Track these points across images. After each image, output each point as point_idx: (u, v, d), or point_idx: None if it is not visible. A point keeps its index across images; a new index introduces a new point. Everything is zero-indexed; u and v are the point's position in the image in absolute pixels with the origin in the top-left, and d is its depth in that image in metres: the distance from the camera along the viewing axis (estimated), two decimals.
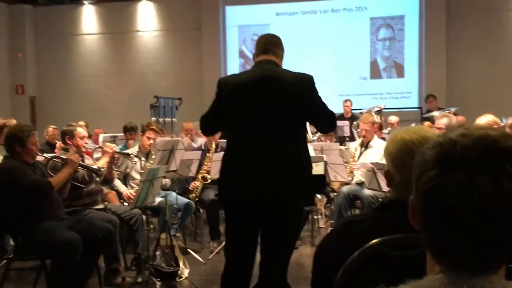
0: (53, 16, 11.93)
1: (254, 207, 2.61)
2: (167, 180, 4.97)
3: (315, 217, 5.78)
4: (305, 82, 2.66)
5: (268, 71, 2.67)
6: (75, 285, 3.51)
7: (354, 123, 7.46)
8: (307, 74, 2.69)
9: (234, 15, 11.25)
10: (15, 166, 3.49)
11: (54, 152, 4.89)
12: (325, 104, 2.74)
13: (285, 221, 2.64)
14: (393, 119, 7.65)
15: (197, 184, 5.26)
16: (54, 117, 10.73)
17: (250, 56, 11.28)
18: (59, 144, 5.48)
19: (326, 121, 2.83)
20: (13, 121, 5.50)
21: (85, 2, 11.82)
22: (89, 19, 11.98)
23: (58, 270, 3.34)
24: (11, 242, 3.97)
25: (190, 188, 5.34)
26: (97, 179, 4.23)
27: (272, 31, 10.70)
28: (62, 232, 3.36)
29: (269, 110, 2.62)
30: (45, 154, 3.96)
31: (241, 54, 11.26)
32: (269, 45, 2.76)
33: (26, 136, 3.56)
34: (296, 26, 10.71)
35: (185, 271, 4.21)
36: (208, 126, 2.93)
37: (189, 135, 7.13)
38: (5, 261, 3.96)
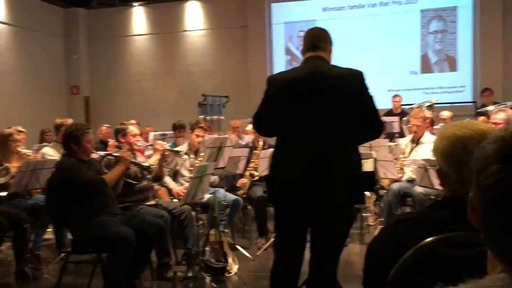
0: (105, 18, 12.35)
1: (303, 204, 2.60)
2: (216, 177, 5.04)
3: (364, 214, 5.69)
4: (355, 78, 2.62)
5: (317, 67, 2.66)
6: (129, 277, 3.63)
7: (404, 118, 7.29)
8: (357, 70, 2.65)
9: (280, 12, 11.23)
10: (71, 163, 3.64)
11: (108, 150, 5.06)
12: (374, 105, 2.65)
13: (335, 219, 2.62)
14: (446, 114, 7.40)
15: (245, 181, 5.31)
16: (106, 116, 11.11)
17: (296, 53, 11.26)
18: (112, 142, 5.66)
19: (372, 124, 2.69)
20: (69, 121, 5.73)
21: (135, 4, 12.15)
22: (138, 20, 12.31)
23: (113, 263, 3.46)
24: (69, 236, 4.15)
25: (238, 185, 5.39)
26: (148, 176, 4.35)
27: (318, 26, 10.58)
28: (117, 227, 3.47)
29: (318, 106, 2.60)
30: (99, 152, 4.11)
31: (287, 51, 11.23)
32: (317, 40, 2.73)
33: (81, 134, 3.70)
34: (344, 21, 10.56)
35: (234, 267, 4.26)
36: (261, 125, 2.89)
37: (236, 133, 7.19)
38: (63, 254, 4.15)
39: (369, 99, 2.63)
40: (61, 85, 12.24)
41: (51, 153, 5.23)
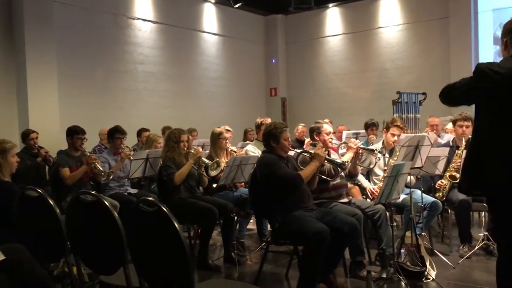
0: (301, 22, 12.90)
1: None
2: (412, 177, 4.82)
3: None
4: None
5: None
6: (323, 272, 3.72)
7: None
8: None
9: None
10: (271, 159, 3.90)
11: (303, 149, 5.26)
12: None
13: None
14: None
15: (444, 182, 4.95)
16: (301, 116, 11.60)
17: None
18: (308, 141, 5.87)
19: None
20: (269, 120, 6.14)
21: (330, 5, 12.39)
22: (333, 21, 12.52)
23: (308, 257, 3.58)
24: (269, 228, 4.46)
25: (436, 186, 5.05)
26: (342, 174, 4.39)
27: None
28: (312, 223, 3.59)
29: None
30: (295, 149, 4.30)
31: (497, 41, 10.08)
32: None
33: (279, 132, 3.94)
34: None
35: (432, 273, 4.02)
36: (454, 97, 2.83)
37: (435, 131, 6.75)
38: (263, 244, 4.48)
39: None
40: (261, 87, 13.22)
41: (253, 150, 5.69)
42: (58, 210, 2.49)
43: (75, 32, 8.86)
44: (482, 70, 2.57)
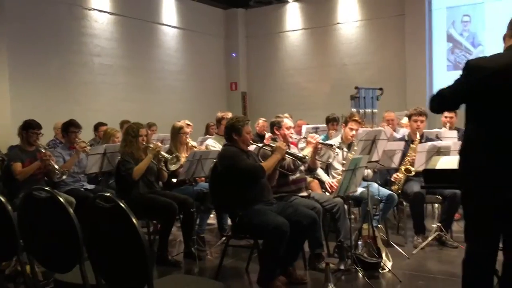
0: (261, 17, 12.93)
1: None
2: (369, 170, 4.93)
3: None
4: None
5: None
6: (283, 265, 3.76)
7: None
8: None
9: None
10: (233, 151, 3.90)
11: (264, 143, 5.28)
12: None
13: None
14: None
15: (399, 176, 5.09)
16: (261, 110, 11.64)
17: (460, 39, 10.40)
18: (268, 135, 5.90)
19: None
20: (229, 114, 6.12)
21: (289, 0, 12.46)
22: (293, 16, 12.61)
23: (268, 250, 3.61)
24: (229, 222, 4.46)
25: (392, 179, 5.19)
26: (301, 168, 4.44)
27: (487, 9, 9.67)
28: (272, 217, 3.62)
29: None
30: (256, 144, 4.31)
31: (449, 38, 10.44)
32: None
33: (242, 125, 3.95)
34: None
35: (387, 264, 4.13)
36: (443, 105, 2.72)
37: (390, 125, 6.93)
38: (224, 238, 4.47)
39: None
40: (222, 82, 13.18)
41: (213, 144, 5.66)
42: (10, 207, 2.40)
43: (27, 23, 8.51)
44: (472, 65, 2.52)
